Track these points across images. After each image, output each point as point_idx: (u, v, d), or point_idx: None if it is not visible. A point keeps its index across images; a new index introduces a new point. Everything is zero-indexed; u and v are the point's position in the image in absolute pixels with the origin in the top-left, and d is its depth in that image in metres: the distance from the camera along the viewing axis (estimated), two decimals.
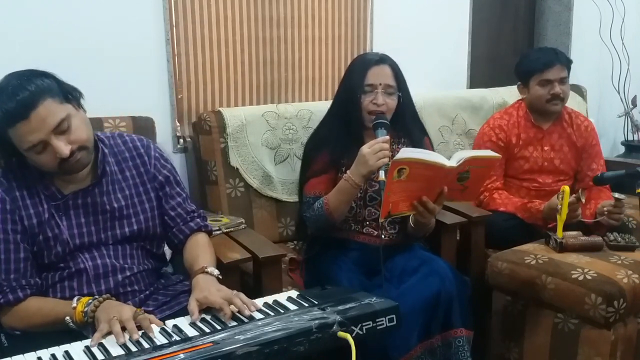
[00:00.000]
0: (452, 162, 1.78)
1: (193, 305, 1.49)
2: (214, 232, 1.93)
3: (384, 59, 2.11)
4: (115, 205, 1.65)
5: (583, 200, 2.25)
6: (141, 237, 1.70)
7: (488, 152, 1.97)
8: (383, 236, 2.10)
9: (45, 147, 1.46)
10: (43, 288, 1.59)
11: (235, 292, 1.53)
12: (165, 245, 1.81)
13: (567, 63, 2.57)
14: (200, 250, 1.72)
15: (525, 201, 2.51)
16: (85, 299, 1.46)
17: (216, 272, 1.61)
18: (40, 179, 1.57)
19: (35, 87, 1.43)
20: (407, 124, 2.15)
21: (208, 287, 1.53)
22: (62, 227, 1.58)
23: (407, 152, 1.73)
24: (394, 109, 2.09)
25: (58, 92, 1.47)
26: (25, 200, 1.55)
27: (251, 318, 1.45)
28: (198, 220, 1.80)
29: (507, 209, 2.48)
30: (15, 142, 1.46)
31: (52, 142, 1.45)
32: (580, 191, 2.25)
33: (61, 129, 1.46)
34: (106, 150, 1.66)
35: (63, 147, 1.45)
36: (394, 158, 1.72)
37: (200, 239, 1.77)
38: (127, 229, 1.66)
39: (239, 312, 1.47)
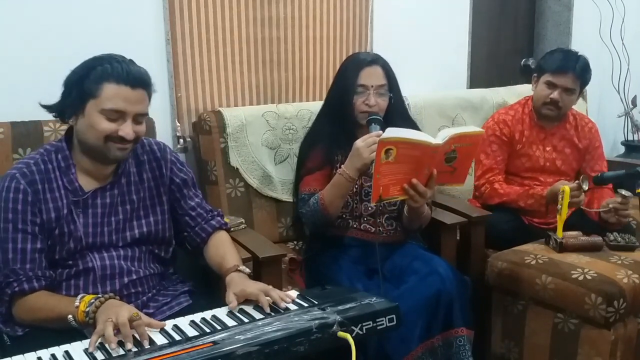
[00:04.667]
0: (438, 140, 1.80)
1: (232, 297, 1.54)
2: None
3: (376, 60, 2.13)
4: (128, 206, 1.68)
5: (585, 187, 2.24)
6: (150, 241, 1.72)
7: (472, 128, 1.99)
8: (380, 230, 2.10)
9: (117, 120, 1.55)
10: (55, 282, 1.60)
11: (271, 286, 1.58)
12: (171, 250, 1.82)
13: (581, 77, 2.49)
14: (226, 249, 1.78)
15: (527, 188, 2.50)
16: (88, 298, 1.46)
17: (247, 270, 1.68)
18: (65, 174, 1.61)
19: (150, 77, 1.60)
20: (397, 123, 2.16)
21: (244, 282, 1.59)
22: (78, 224, 1.61)
23: (392, 132, 1.75)
24: (385, 109, 2.11)
25: (151, 94, 1.62)
26: (46, 194, 1.58)
27: (286, 309, 1.50)
28: (218, 218, 1.84)
29: (510, 197, 2.48)
30: (101, 96, 1.53)
31: (127, 120, 1.56)
32: (581, 178, 2.24)
33: (138, 120, 1.59)
34: None
35: (130, 131, 1.56)
36: (380, 137, 1.74)
37: (223, 237, 1.83)
38: (136, 231, 1.69)
39: (274, 303, 1.52)
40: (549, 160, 2.60)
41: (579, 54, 2.57)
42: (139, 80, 1.56)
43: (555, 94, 2.50)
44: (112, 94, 1.53)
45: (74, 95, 1.56)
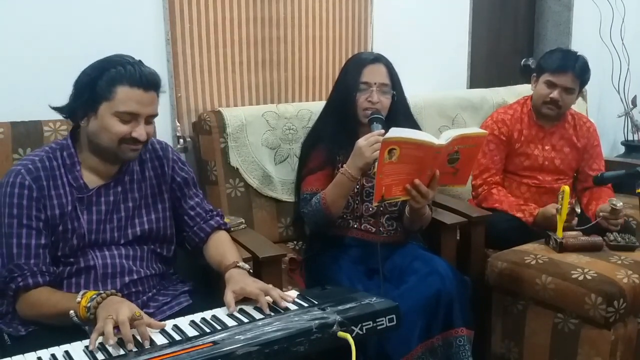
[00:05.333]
0: (441, 141, 1.80)
1: (230, 297, 1.53)
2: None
3: (379, 58, 2.14)
4: (130, 204, 1.69)
5: (578, 211, 2.29)
6: (152, 239, 1.72)
7: (475, 129, 1.99)
8: (381, 230, 2.10)
9: (130, 122, 1.57)
10: (57, 279, 1.60)
11: (271, 285, 1.57)
12: (173, 249, 1.82)
13: (581, 77, 2.51)
14: (226, 247, 1.77)
15: (521, 202, 2.52)
16: (89, 294, 1.46)
17: (247, 266, 1.67)
18: (70, 171, 1.62)
19: (160, 78, 1.62)
20: (400, 122, 2.16)
21: (244, 280, 1.59)
22: (82, 221, 1.62)
23: (396, 132, 1.75)
24: (388, 107, 2.11)
25: (159, 95, 1.64)
26: (50, 190, 1.59)
27: (286, 309, 1.49)
28: (217, 218, 1.84)
29: (502, 206, 2.49)
30: (114, 99, 1.54)
31: (140, 122, 1.58)
32: (574, 201, 2.26)
33: (149, 120, 1.62)
34: None
35: (144, 132, 1.59)
36: (384, 137, 1.74)
37: (223, 236, 1.82)
38: (138, 229, 1.69)
39: (274, 303, 1.51)
40: (547, 159, 2.61)
41: (578, 53, 2.58)
42: (152, 83, 1.58)
43: (555, 94, 2.51)
44: (126, 96, 1.54)
45: (86, 97, 1.56)
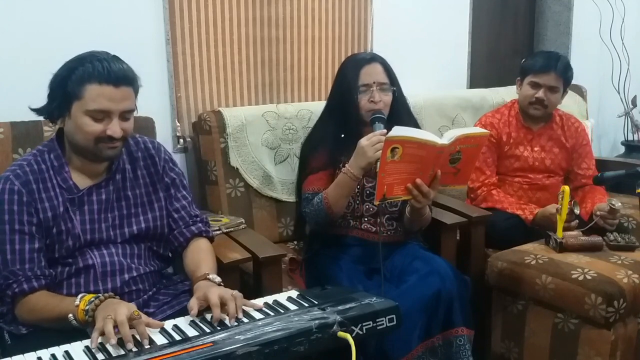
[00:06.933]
0: (444, 140, 1.80)
1: (193, 302, 1.50)
2: (214, 233, 1.93)
3: (374, 58, 2.14)
4: (124, 202, 1.68)
5: (577, 212, 2.28)
6: (149, 237, 1.72)
7: (477, 129, 2.00)
8: (381, 230, 2.10)
9: (103, 120, 1.55)
10: (56, 281, 1.60)
11: (235, 292, 1.52)
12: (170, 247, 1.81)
13: (564, 75, 2.54)
14: (202, 256, 1.73)
15: (521, 202, 2.53)
16: (87, 297, 1.46)
17: (218, 279, 1.62)
18: (59, 173, 1.61)
19: (134, 73, 1.60)
20: (402, 119, 2.16)
21: (209, 288, 1.55)
22: (75, 222, 1.61)
23: (399, 130, 1.75)
24: (389, 105, 2.11)
25: (137, 89, 1.62)
26: (41, 193, 1.58)
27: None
28: (200, 224, 1.81)
29: (502, 205, 2.51)
30: (84, 97, 1.53)
31: (113, 119, 1.55)
32: (573, 203, 2.26)
33: (125, 116, 1.59)
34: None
35: (118, 129, 1.56)
36: (387, 135, 1.74)
37: (202, 244, 1.79)
38: (135, 227, 1.69)
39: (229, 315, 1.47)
40: (537, 160, 2.64)
41: (560, 54, 2.62)
42: (122, 78, 1.55)
43: (540, 93, 2.55)
44: (96, 94, 1.53)
45: (58, 97, 1.56)
